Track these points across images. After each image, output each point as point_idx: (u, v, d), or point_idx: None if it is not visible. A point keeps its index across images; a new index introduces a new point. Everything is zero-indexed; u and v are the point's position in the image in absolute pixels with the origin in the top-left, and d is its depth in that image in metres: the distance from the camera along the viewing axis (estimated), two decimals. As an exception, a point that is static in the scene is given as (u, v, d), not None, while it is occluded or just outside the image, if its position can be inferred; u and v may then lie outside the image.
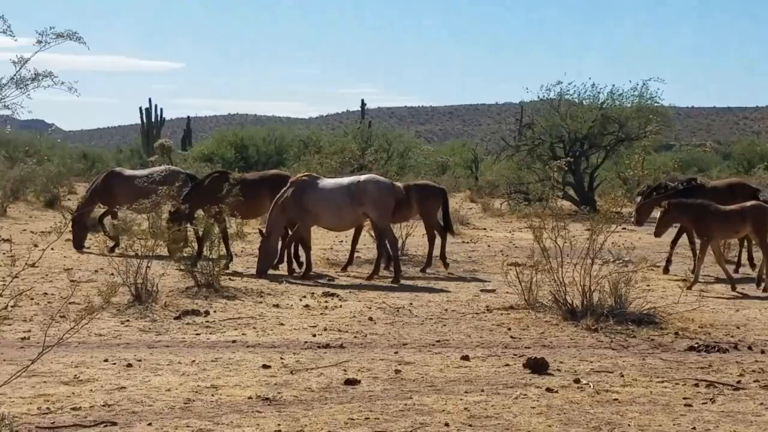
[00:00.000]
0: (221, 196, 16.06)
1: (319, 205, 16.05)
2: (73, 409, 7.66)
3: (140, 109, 56.16)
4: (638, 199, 17.53)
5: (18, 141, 49.99)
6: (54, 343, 7.86)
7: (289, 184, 16.55)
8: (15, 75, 5.89)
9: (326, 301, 13.45)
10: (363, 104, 56.12)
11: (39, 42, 6.04)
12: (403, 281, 15.69)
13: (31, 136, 54.33)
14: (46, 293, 13.27)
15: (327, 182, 16.51)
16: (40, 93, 6.15)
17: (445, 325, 11.80)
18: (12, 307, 10.90)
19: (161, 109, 56.53)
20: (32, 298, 12.70)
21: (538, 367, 9.20)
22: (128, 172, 20.90)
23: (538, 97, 34.96)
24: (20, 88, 6.02)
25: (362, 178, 16.38)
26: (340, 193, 16.01)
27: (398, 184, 17.07)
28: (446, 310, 12.93)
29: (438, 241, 17.63)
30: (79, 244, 19.33)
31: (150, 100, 56.40)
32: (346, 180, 16.56)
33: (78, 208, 20.35)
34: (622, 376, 9.10)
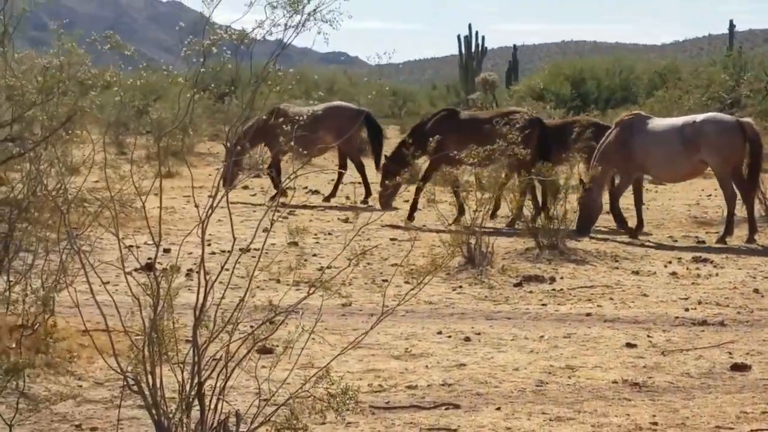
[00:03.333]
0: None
1: (647, 151, 15.78)
2: (409, 387, 7.94)
3: (458, 37, 56.90)
4: None
5: (320, 78, 52.10)
6: (387, 314, 8.11)
7: (614, 125, 16.50)
8: None
9: (698, 268, 13.24)
10: (731, 26, 54.38)
11: None
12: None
13: (333, 72, 56.46)
14: (366, 253, 13.77)
15: (657, 123, 16.28)
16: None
17: None
18: (333, 268, 11.40)
19: (483, 37, 56.95)
20: (350, 259, 13.22)
21: None
22: (293, 109, 20.22)
23: None
24: None
25: (699, 117, 16.06)
26: (672, 137, 15.68)
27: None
28: None
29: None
30: (230, 182, 19.91)
31: (470, 26, 57.02)
32: (680, 120, 16.28)
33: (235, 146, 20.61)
34: None
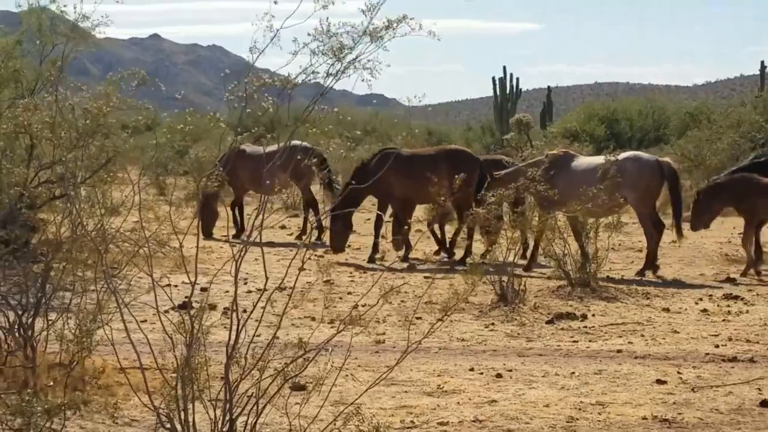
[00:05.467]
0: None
1: (568, 188, 15.27)
2: (440, 423, 7.92)
3: (493, 79, 56.99)
4: None
5: (356, 119, 52.38)
6: (413, 347, 8.10)
7: (546, 155, 16.54)
8: (367, 25, 6.08)
9: (728, 305, 13.17)
10: (763, 67, 54.15)
11: None
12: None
13: (369, 114, 56.68)
14: (398, 291, 13.73)
15: (581, 161, 16.37)
16: (387, 56, 6.32)
17: None
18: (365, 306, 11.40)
19: (517, 79, 56.99)
20: (381, 296, 13.21)
21: None
22: (251, 149, 19.99)
23: None
24: (374, 40, 6.21)
25: (621, 156, 16.18)
26: (594, 175, 15.54)
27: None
28: None
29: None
30: (207, 231, 19.60)
31: (504, 68, 57.04)
32: (602, 159, 16.29)
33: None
34: None
